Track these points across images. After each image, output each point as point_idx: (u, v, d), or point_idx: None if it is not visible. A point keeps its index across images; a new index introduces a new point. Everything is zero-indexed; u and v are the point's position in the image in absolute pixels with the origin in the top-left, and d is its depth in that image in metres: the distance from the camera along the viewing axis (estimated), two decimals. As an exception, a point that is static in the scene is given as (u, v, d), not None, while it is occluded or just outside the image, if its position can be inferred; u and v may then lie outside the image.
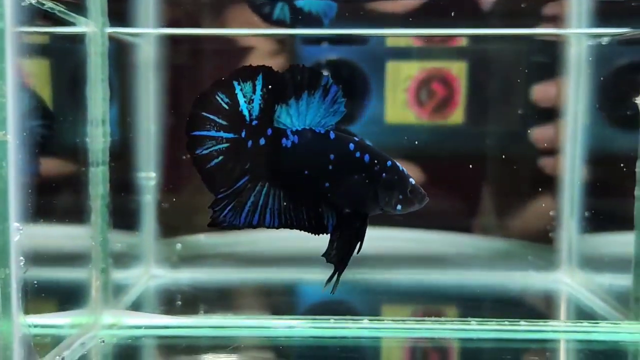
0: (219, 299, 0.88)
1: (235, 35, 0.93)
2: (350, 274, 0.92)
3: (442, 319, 0.73)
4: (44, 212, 0.60)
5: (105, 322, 0.71)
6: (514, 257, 0.94)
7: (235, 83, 0.50)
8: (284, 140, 0.51)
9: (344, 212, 0.52)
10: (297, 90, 0.50)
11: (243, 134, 0.51)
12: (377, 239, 0.95)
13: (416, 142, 0.91)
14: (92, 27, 0.69)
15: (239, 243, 0.96)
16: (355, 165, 0.50)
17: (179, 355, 0.68)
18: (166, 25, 0.89)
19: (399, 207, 0.51)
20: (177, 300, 0.85)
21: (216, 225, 0.53)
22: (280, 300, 0.88)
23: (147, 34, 0.89)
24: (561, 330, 0.72)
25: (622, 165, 0.77)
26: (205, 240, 0.95)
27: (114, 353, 0.67)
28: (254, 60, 0.93)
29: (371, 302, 0.87)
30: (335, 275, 0.54)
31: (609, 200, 0.85)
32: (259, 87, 0.50)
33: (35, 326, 0.55)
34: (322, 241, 0.96)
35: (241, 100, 0.50)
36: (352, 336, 0.71)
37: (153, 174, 0.91)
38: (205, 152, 0.51)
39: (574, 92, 0.88)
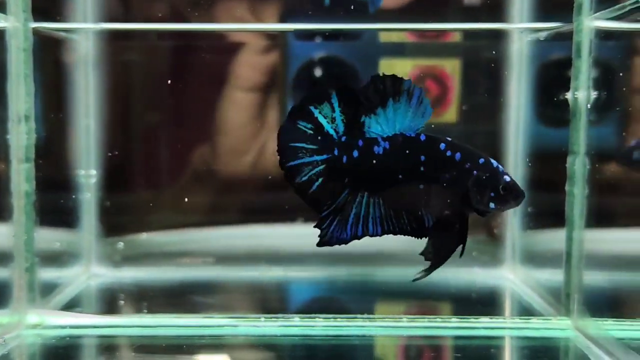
0: (160, 297, 0.87)
1: (176, 31, 0.92)
2: (283, 272, 0.93)
3: (374, 316, 0.72)
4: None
5: (30, 321, 0.70)
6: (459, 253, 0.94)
7: (312, 108, 0.52)
8: (375, 148, 0.52)
9: (442, 213, 0.52)
10: (382, 99, 0.51)
11: (336, 152, 0.53)
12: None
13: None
14: (12, 22, 0.67)
15: (182, 242, 0.95)
16: (446, 164, 0.50)
17: (101, 355, 0.67)
18: (109, 20, 0.88)
19: (491, 205, 0.50)
20: (118, 300, 0.84)
21: (326, 244, 0.54)
22: (221, 299, 0.87)
23: (86, 29, 0.87)
24: (493, 327, 0.72)
25: (561, 161, 0.76)
26: (148, 238, 0.94)
27: (35, 353, 0.66)
28: (245, 57, 0.94)
29: (310, 300, 0.87)
30: (427, 272, 0.55)
31: (550, 196, 0.85)
32: (336, 106, 0.52)
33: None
34: (270, 238, 0.96)
35: (323, 122, 0.52)
36: (282, 334, 0.71)
37: (93, 172, 0.90)
38: (304, 179, 0.53)
39: (515, 88, 0.88)
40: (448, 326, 0.71)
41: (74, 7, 0.86)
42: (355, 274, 0.93)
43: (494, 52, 0.89)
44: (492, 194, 0.49)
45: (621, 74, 0.63)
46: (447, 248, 0.53)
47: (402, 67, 0.92)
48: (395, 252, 0.95)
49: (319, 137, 0.53)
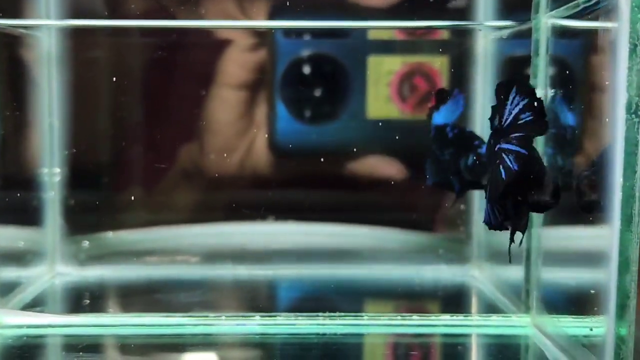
0: (125, 296, 0.86)
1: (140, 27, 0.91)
2: (261, 270, 0.92)
3: (334, 314, 0.72)
4: None
5: (-15, 321, 0.69)
6: (426, 250, 0.94)
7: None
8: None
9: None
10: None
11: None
12: (291, 234, 0.96)
13: (397, 137, 0.90)
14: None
15: (149, 240, 0.94)
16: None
17: (56, 355, 0.66)
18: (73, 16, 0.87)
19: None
20: (82, 299, 0.83)
21: None
22: (185, 297, 0.87)
23: (49, 26, 0.86)
24: (453, 325, 0.72)
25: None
26: (114, 237, 0.94)
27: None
28: (232, 54, 0.93)
29: (275, 298, 0.86)
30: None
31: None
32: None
33: None
34: (239, 237, 0.96)
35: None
36: (243, 333, 0.70)
37: (57, 170, 0.89)
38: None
39: (482, 85, 0.88)
40: (408, 324, 0.71)
41: (36, 4, 0.85)
42: (323, 272, 0.93)
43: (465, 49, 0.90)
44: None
45: (579, 72, 0.63)
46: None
47: (390, 65, 0.92)
48: (362, 250, 0.96)
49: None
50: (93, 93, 0.92)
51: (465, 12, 0.88)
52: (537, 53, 0.68)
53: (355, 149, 0.93)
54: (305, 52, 0.92)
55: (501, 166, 0.54)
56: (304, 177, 0.95)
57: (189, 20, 0.90)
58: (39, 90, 0.87)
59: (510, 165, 0.54)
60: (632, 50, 0.48)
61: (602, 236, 0.52)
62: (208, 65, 0.93)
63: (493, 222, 0.57)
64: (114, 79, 0.93)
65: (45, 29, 0.86)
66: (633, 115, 0.48)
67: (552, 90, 0.66)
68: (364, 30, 0.92)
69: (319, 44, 0.92)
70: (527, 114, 0.53)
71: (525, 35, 0.72)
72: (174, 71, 0.94)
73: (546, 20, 0.66)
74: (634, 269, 0.50)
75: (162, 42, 0.92)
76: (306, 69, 0.92)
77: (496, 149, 0.55)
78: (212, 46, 0.93)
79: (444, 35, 0.92)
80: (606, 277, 0.51)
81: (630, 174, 0.49)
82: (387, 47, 0.93)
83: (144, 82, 0.95)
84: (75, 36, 0.88)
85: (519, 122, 0.53)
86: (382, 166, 0.94)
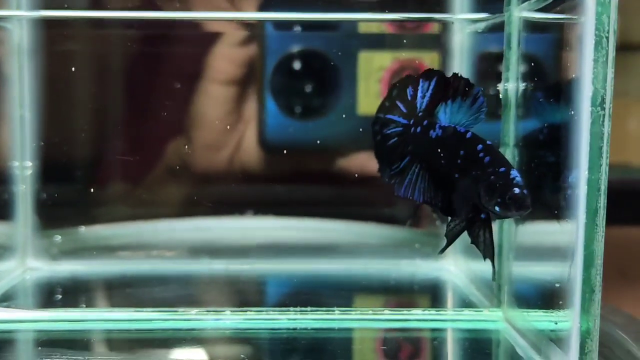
0: (96, 291, 0.85)
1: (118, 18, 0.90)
2: (238, 264, 0.92)
3: (306, 309, 0.71)
4: None
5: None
6: (402, 245, 0.94)
7: (422, 80, 0.62)
8: (431, 132, 0.60)
9: (464, 203, 0.57)
10: (455, 94, 0.59)
11: (412, 122, 0.63)
12: (270, 228, 0.95)
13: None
14: None
15: (120, 235, 0.94)
16: (476, 163, 0.56)
17: (23, 349, 0.66)
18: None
19: (497, 208, 0.54)
20: (53, 294, 0.82)
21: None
22: (158, 292, 0.86)
23: (19, 17, 0.85)
24: (426, 319, 0.72)
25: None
26: (87, 231, 0.93)
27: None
28: (220, 49, 0.92)
29: (249, 293, 0.86)
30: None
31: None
32: (432, 87, 0.62)
33: None
34: (217, 231, 0.95)
35: (420, 94, 0.62)
36: (212, 328, 0.70)
37: (29, 164, 0.88)
38: (387, 132, 0.65)
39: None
40: (380, 318, 0.71)
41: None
42: (300, 267, 0.93)
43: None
44: (499, 200, 0.53)
45: (549, 66, 0.63)
46: (457, 231, 0.59)
47: (381, 60, 0.91)
48: (340, 245, 0.95)
49: (411, 105, 0.63)
50: (65, 85, 0.91)
51: (442, 5, 0.88)
52: (509, 46, 0.67)
53: (345, 145, 0.92)
54: (296, 48, 0.91)
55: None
56: (292, 172, 0.94)
57: (169, 12, 0.89)
58: (9, 82, 0.86)
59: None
60: (598, 43, 0.48)
61: (569, 229, 0.52)
62: (191, 59, 0.93)
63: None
64: (88, 71, 0.92)
65: (16, 21, 0.85)
66: (598, 108, 0.48)
67: (524, 84, 0.65)
68: (354, 27, 0.91)
69: (309, 40, 0.92)
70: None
71: (500, 29, 0.72)
72: (150, 64, 0.93)
73: (518, 14, 0.66)
74: (599, 262, 0.50)
75: (139, 35, 0.91)
76: (296, 65, 0.91)
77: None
78: (196, 40, 0.93)
79: (435, 30, 0.92)
80: (571, 270, 0.51)
81: (595, 167, 0.49)
82: (377, 43, 0.92)
83: (119, 74, 0.94)
84: (48, 27, 0.87)
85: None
86: (372, 162, 0.94)
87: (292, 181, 0.95)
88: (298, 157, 0.94)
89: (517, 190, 0.53)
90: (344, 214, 0.95)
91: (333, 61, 0.91)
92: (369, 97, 0.92)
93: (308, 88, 0.93)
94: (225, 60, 0.92)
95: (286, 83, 0.92)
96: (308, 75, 0.92)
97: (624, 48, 1.24)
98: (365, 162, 0.91)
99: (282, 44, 0.91)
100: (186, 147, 0.94)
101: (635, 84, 1.31)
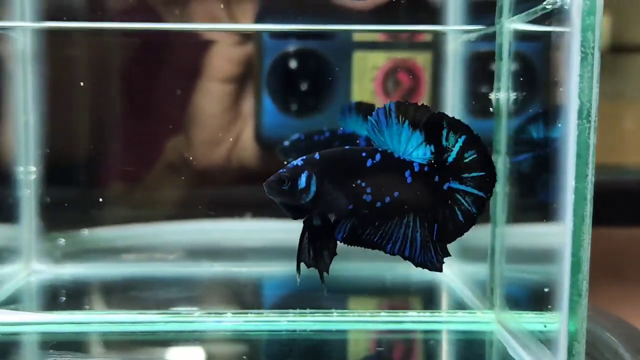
0: (101, 294, 0.87)
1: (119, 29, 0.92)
2: (237, 267, 0.94)
3: (304, 311, 0.73)
4: None
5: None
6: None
7: None
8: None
9: None
10: None
11: None
12: (259, 231, 0.97)
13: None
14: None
15: (124, 237, 0.95)
16: None
17: (33, 352, 0.67)
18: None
19: None
20: (58, 296, 0.84)
21: None
22: (161, 294, 0.88)
23: (23, 27, 0.87)
24: (420, 321, 0.74)
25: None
26: (90, 234, 0.95)
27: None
28: (218, 48, 0.94)
29: (247, 295, 0.88)
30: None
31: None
32: None
33: None
34: (217, 234, 0.97)
35: None
36: (214, 330, 0.72)
37: (33, 168, 0.90)
38: None
39: (451, 87, 0.90)
40: (376, 320, 0.73)
41: (10, 4, 0.86)
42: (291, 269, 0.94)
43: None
44: None
45: (539, 79, 0.65)
46: None
47: (375, 60, 0.93)
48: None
49: None
50: (69, 91, 0.93)
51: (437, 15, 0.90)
52: (501, 57, 0.69)
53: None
54: (291, 47, 0.93)
55: (457, 208, 0.55)
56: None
57: (170, 23, 0.91)
58: (14, 88, 0.88)
59: (469, 209, 0.54)
60: (584, 58, 0.50)
61: (557, 234, 0.54)
62: (194, 60, 0.94)
63: (432, 261, 0.57)
64: (91, 76, 0.94)
65: (20, 30, 0.87)
66: (585, 121, 0.50)
67: (514, 94, 0.67)
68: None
69: (304, 39, 0.94)
70: (471, 153, 0.54)
71: (491, 38, 0.74)
72: (154, 68, 0.95)
73: (508, 25, 0.68)
74: (586, 268, 0.52)
75: (144, 40, 0.93)
76: (292, 64, 0.93)
77: (445, 187, 0.55)
78: (198, 41, 0.94)
79: (427, 38, 0.94)
80: (559, 275, 0.53)
81: (582, 176, 0.51)
82: (371, 43, 0.94)
83: (122, 79, 0.96)
84: (51, 35, 0.89)
85: (465, 160, 0.54)
86: None
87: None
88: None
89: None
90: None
91: (328, 60, 0.93)
92: (362, 96, 0.94)
93: (304, 86, 0.94)
94: (223, 59, 0.94)
95: (282, 81, 0.94)
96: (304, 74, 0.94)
97: (619, 50, 1.27)
98: None
99: (279, 43, 0.93)
100: (186, 150, 0.96)
101: (631, 86, 1.32)
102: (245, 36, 0.93)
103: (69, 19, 0.88)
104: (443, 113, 0.54)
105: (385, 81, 0.93)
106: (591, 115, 0.50)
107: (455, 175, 0.54)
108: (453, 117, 0.54)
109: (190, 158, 0.96)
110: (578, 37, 0.49)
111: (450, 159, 0.54)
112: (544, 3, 0.56)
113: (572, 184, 0.51)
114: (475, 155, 0.54)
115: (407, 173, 0.55)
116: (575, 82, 0.50)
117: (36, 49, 0.88)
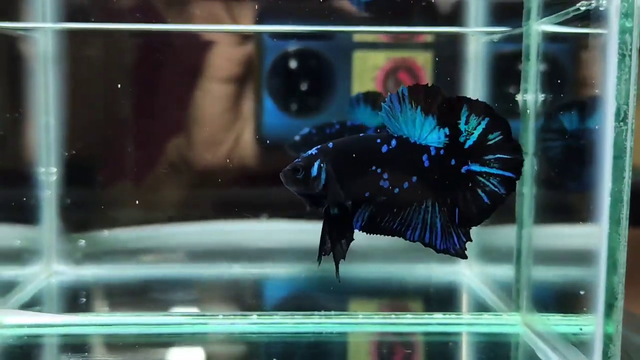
0: (122, 295, 0.87)
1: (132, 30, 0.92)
2: (255, 269, 0.94)
3: (329, 313, 0.73)
4: None
5: (-16, 321, 0.70)
6: (417, 249, 0.96)
7: None
8: None
9: None
10: None
11: None
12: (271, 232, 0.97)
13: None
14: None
15: (144, 238, 0.95)
16: None
17: (59, 354, 0.68)
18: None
19: None
20: (79, 298, 0.84)
21: None
22: (183, 296, 0.88)
23: (44, 28, 0.87)
24: (446, 323, 0.74)
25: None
26: (110, 235, 0.95)
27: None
28: (217, 53, 0.94)
29: (264, 297, 0.88)
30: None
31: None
32: None
33: None
34: (224, 235, 0.96)
35: None
36: (240, 332, 0.72)
37: (54, 169, 0.90)
38: None
39: (472, 88, 0.90)
40: (402, 322, 0.73)
41: (31, 5, 0.86)
42: (318, 271, 0.94)
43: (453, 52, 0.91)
44: None
45: (570, 80, 0.65)
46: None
47: (375, 59, 0.93)
48: (357, 249, 0.97)
49: None
50: (89, 92, 0.93)
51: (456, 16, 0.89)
52: (528, 58, 0.69)
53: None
54: (292, 47, 0.93)
55: (480, 190, 0.54)
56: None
57: (179, 24, 0.91)
58: (35, 89, 0.88)
59: (496, 189, 0.54)
60: (621, 60, 0.50)
61: (591, 235, 0.53)
62: (199, 61, 0.94)
63: (455, 248, 0.55)
64: (110, 77, 0.94)
65: (42, 31, 0.87)
66: (621, 123, 0.50)
67: (542, 95, 0.67)
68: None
69: (305, 39, 0.93)
70: (497, 134, 0.52)
71: (515, 39, 0.73)
72: (169, 68, 0.95)
73: (537, 27, 0.68)
74: (622, 271, 0.52)
75: (155, 41, 0.93)
76: (292, 63, 0.93)
77: (464, 170, 0.54)
78: (202, 42, 0.94)
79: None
80: (594, 278, 0.53)
81: (618, 178, 0.51)
82: (372, 42, 0.94)
83: (138, 80, 0.96)
84: (72, 36, 0.89)
85: (489, 142, 0.53)
86: None
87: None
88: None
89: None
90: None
91: (329, 59, 0.93)
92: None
93: (304, 86, 0.94)
94: (224, 59, 0.94)
95: (283, 81, 0.94)
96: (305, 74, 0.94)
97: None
98: None
99: (279, 43, 0.93)
100: (201, 147, 0.96)
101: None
102: (246, 36, 0.93)
103: (94, 20, 0.88)
104: (462, 96, 0.53)
105: (386, 81, 0.93)
106: (628, 117, 0.50)
107: (475, 157, 0.53)
108: (475, 99, 0.52)
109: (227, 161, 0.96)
110: (615, 39, 0.49)
111: (470, 142, 0.53)
112: (578, 4, 0.56)
113: (609, 187, 0.51)
114: (500, 137, 0.52)
115: (424, 157, 0.54)
116: (613, 84, 0.50)
117: (57, 50, 0.88)
